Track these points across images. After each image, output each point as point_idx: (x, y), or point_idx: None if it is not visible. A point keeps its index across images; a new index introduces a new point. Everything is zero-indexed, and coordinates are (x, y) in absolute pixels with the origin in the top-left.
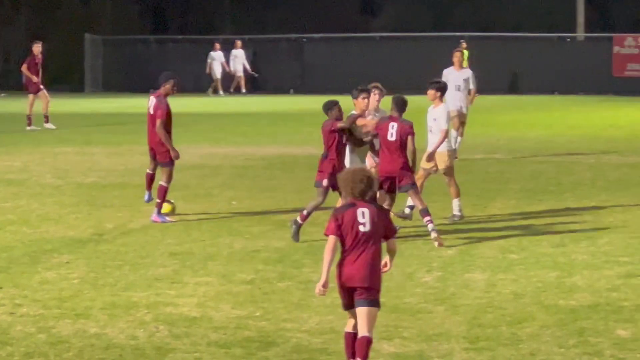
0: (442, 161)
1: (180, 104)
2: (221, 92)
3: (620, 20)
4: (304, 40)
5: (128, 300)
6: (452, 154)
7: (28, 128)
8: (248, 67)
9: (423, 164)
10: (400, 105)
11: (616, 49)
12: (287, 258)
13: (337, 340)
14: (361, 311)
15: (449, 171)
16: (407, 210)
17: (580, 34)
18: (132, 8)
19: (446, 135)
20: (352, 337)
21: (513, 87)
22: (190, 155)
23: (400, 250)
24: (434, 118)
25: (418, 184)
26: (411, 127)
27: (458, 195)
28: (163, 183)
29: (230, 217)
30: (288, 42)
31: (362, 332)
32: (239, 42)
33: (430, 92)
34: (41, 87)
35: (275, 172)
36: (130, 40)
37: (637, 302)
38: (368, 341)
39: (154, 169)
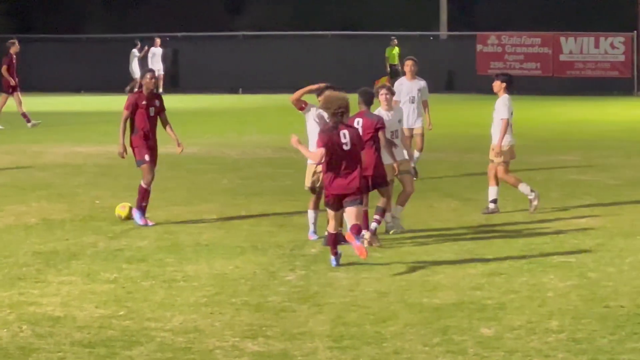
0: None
1: (43, 103)
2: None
3: (483, 18)
4: (168, 39)
5: None
6: (511, 147)
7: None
8: (161, 66)
9: (490, 156)
10: (368, 99)
11: (479, 47)
12: (151, 257)
13: (201, 339)
14: (351, 210)
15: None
16: (491, 206)
17: (444, 32)
18: None
19: (507, 125)
20: (334, 237)
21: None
22: (54, 154)
23: (263, 249)
24: (495, 109)
25: (490, 174)
26: (378, 121)
27: (491, 182)
28: (141, 183)
29: (94, 216)
30: (152, 41)
31: (353, 222)
32: (158, 40)
33: (495, 83)
34: (16, 88)
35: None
36: None
37: (500, 300)
38: (359, 227)
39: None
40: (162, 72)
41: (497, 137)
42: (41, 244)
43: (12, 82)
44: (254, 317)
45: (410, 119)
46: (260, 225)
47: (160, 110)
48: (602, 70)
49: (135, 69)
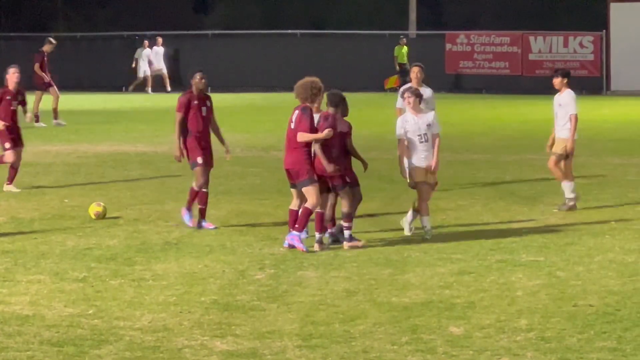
0: (560, 145)
1: None
2: (149, 89)
3: (452, 17)
4: (137, 37)
5: None
6: (573, 141)
7: (36, 124)
8: (163, 65)
9: (554, 150)
10: (336, 101)
11: (448, 46)
12: (120, 256)
13: (170, 338)
14: (300, 191)
15: (565, 157)
16: (570, 203)
17: (413, 31)
18: None
19: (576, 120)
20: (294, 214)
21: (345, 85)
22: (23, 152)
23: (232, 247)
24: (559, 104)
25: (552, 168)
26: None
27: (567, 178)
28: (192, 185)
29: (63, 215)
30: (121, 39)
31: (305, 205)
32: (159, 39)
33: (556, 80)
34: (52, 83)
35: (107, 170)
36: None
37: (469, 299)
38: (306, 211)
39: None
40: (164, 71)
41: (564, 132)
42: (10, 243)
43: (46, 79)
44: (222, 316)
45: None
46: (229, 224)
47: (210, 111)
48: (571, 69)
49: (144, 67)
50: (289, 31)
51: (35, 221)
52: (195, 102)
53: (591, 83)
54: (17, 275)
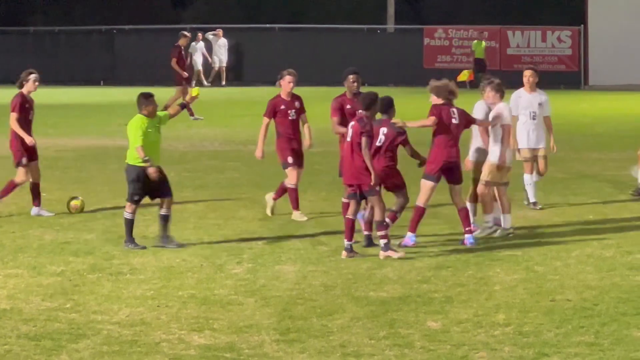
0: None
1: None
2: (205, 82)
3: (431, 12)
4: (114, 31)
5: None
6: None
7: (192, 118)
8: (225, 57)
9: None
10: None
11: (426, 40)
12: (97, 250)
13: (147, 332)
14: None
15: None
16: None
17: (391, 25)
18: None
19: None
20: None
21: (323, 79)
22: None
23: (210, 242)
24: None
25: None
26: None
27: None
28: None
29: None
30: (99, 33)
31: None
32: (220, 32)
33: None
34: (190, 79)
35: (85, 164)
36: None
37: (447, 293)
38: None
39: None
40: (224, 64)
41: None
42: None
43: (185, 75)
44: (200, 310)
45: (532, 138)
46: (207, 218)
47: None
48: (549, 64)
49: (199, 60)
50: (267, 25)
51: (13, 215)
52: (348, 106)
53: (569, 78)
54: None
